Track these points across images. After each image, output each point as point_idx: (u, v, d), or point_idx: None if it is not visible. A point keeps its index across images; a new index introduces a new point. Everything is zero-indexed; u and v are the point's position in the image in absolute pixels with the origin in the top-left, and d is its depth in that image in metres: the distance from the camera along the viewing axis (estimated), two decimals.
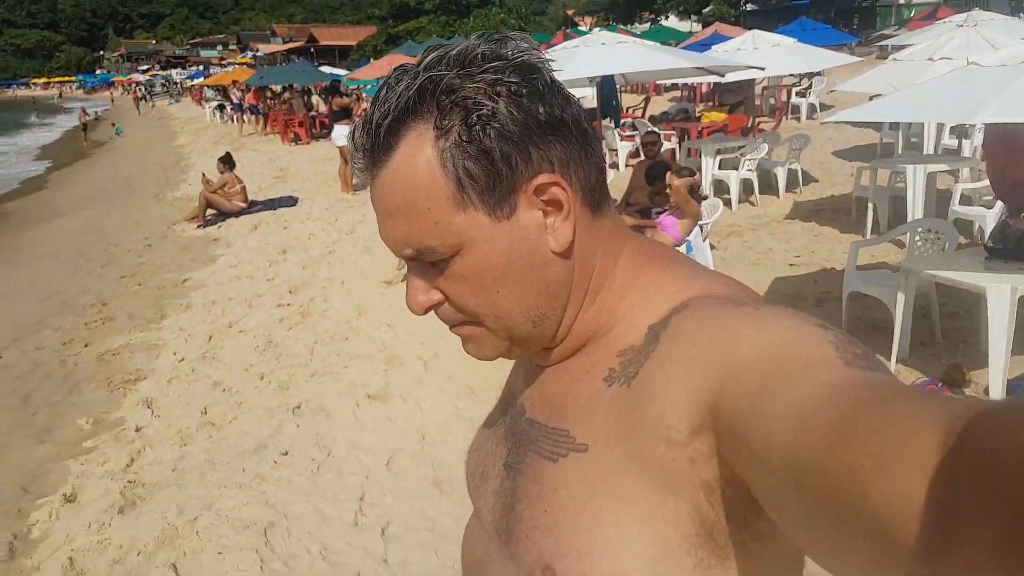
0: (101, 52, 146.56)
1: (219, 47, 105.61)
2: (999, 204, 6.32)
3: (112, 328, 6.93)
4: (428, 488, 3.69)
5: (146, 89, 57.01)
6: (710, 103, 15.04)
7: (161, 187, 15.51)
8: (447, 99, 0.68)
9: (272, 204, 11.65)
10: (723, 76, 7.49)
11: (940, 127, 9.33)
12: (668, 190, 5.64)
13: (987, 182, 6.85)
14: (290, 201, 11.81)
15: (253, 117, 23.51)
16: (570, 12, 56.21)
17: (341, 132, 12.12)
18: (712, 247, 6.82)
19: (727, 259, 7.09)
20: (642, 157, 7.76)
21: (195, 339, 6.27)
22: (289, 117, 20.04)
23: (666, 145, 9.98)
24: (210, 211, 11.17)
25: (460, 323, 0.76)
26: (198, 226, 10.90)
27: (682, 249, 5.48)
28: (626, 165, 11.56)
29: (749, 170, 9.23)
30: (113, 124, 33.40)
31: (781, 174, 9.46)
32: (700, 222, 5.71)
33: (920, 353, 4.80)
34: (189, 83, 51.60)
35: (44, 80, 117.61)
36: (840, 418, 0.47)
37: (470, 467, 0.92)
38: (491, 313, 0.74)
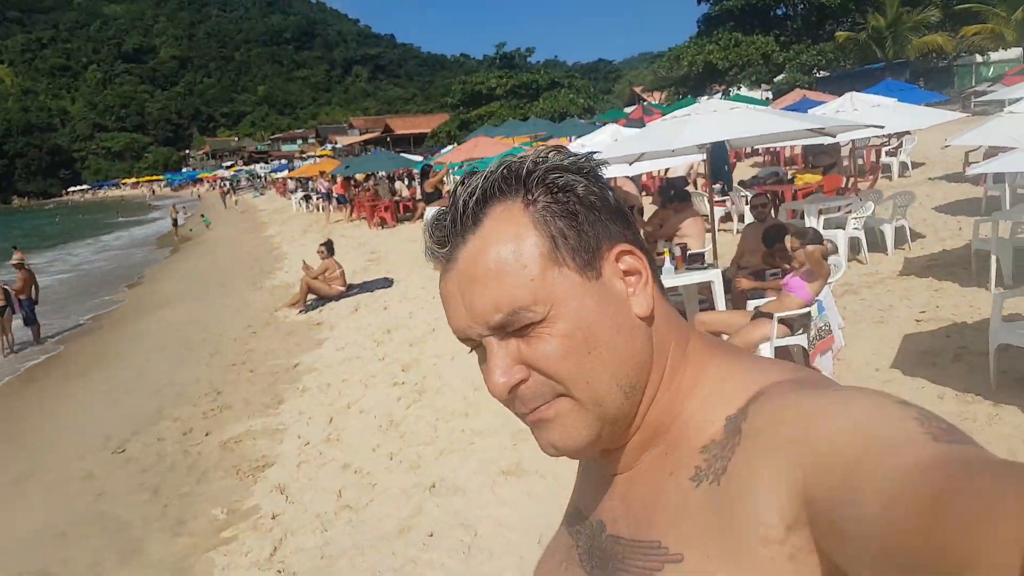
0: (187, 151, 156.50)
1: (299, 141, 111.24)
2: None
3: (230, 416, 7.04)
4: None
5: (231, 184, 60.13)
6: (795, 167, 14.94)
7: (257, 276, 16.09)
8: (531, 178, 0.74)
9: (369, 286, 11.91)
10: (834, 136, 7.38)
11: None
12: (792, 253, 5.51)
13: None
14: (386, 283, 12.06)
15: (340, 205, 24.42)
16: (638, 89, 57.21)
17: (433, 213, 12.41)
18: None
19: (848, 318, 6.83)
20: (750, 220, 7.64)
21: (316, 422, 6.33)
22: (374, 203, 20.72)
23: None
24: (310, 296, 11.49)
25: (544, 402, 0.72)
26: (300, 311, 11.19)
27: (813, 309, 5.30)
28: (718, 229, 11.45)
29: (856, 228, 9.03)
30: (203, 216, 35.23)
31: (888, 231, 9.23)
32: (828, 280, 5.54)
33: None
34: (274, 176, 54.21)
35: (133, 180, 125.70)
36: (929, 497, 0.46)
37: None
38: (582, 378, 0.71)
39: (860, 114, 8.96)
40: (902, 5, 32.30)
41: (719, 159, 7.49)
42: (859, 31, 34.97)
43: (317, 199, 28.19)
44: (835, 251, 7.49)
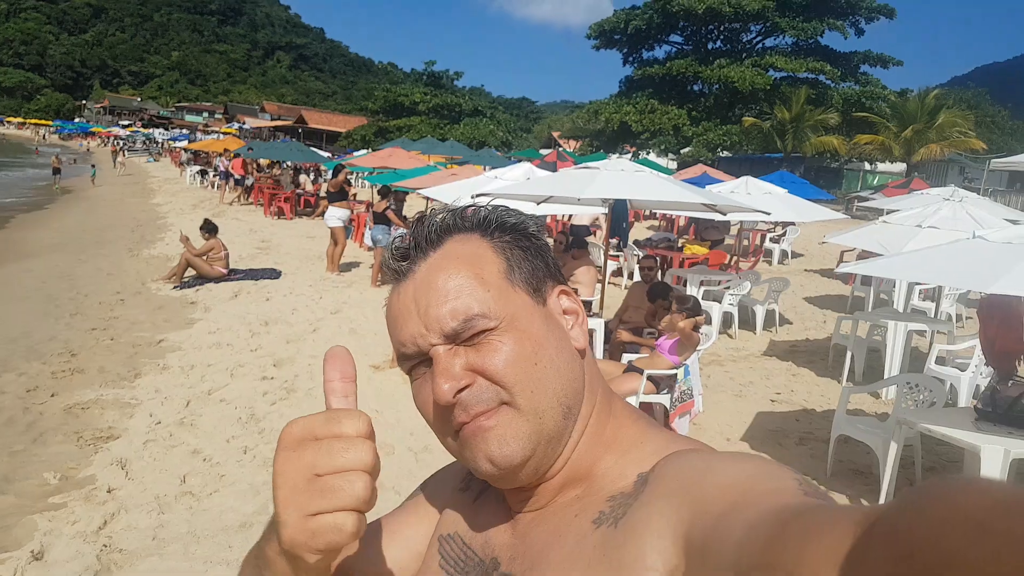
0: (84, 102, 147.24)
1: (204, 114, 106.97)
2: (972, 367, 6.62)
3: (81, 381, 6.66)
4: None
5: (124, 143, 57.07)
6: (686, 236, 15.67)
7: (136, 243, 15.28)
8: (488, 219, 0.82)
9: (254, 274, 11.57)
10: (724, 214, 7.83)
11: (910, 288, 9.80)
12: (671, 316, 5.81)
13: (962, 345, 7.20)
14: (272, 273, 11.75)
15: (236, 186, 23.61)
16: (556, 134, 58.55)
17: (334, 214, 12.23)
18: None
19: (711, 386, 7.20)
20: (637, 279, 7.96)
21: (172, 402, 6.08)
22: (275, 191, 20.17)
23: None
24: (188, 273, 11.05)
25: (488, 408, 0.73)
26: (174, 287, 10.73)
27: (679, 372, 5.59)
28: (608, 282, 11.85)
29: (731, 304, 9.54)
30: (93, 166, 33.25)
31: (760, 312, 9.80)
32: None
33: None
34: (172, 144, 51.85)
35: (20, 120, 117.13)
36: (777, 523, 0.50)
37: None
38: (528, 386, 0.73)
39: (752, 198, 9.51)
40: (807, 103, 34.56)
41: (620, 215, 7.78)
42: (765, 120, 37.04)
43: (213, 176, 27.13)
44: (709, 322, 7.91)
